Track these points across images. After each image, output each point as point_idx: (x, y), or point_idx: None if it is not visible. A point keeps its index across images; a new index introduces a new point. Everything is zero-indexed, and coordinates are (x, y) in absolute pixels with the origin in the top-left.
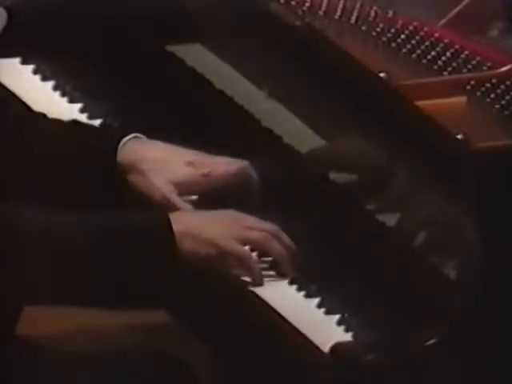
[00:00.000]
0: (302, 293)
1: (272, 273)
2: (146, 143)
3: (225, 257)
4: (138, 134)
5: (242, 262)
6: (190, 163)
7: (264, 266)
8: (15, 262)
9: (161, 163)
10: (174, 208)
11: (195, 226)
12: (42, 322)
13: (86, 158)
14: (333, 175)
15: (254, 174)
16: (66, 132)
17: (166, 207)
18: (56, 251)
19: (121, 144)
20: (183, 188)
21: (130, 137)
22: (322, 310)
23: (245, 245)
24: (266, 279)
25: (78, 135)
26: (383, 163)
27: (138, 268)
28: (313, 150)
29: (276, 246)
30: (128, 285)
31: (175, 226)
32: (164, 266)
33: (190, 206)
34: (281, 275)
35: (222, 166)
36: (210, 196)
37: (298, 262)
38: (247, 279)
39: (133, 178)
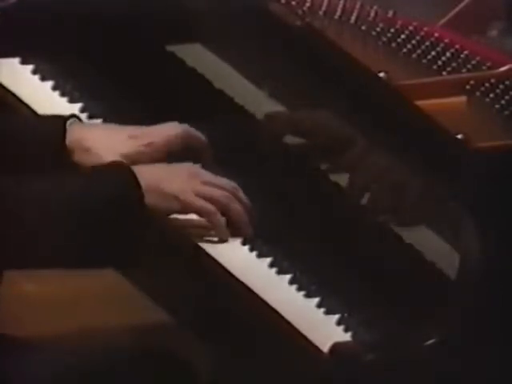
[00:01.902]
0: (302, 293)
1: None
2: (86, 125)
3: (187, 211)
4: (79, 117)
5: (205, 216)
6: (132, 136)
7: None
8: None
9: (105, 140)
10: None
11: (156, 179)
12: (42, 322)
13: (37, 145)
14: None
15: (196, 134)
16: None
17: None
18: (26, 212)
19: (67, 125)
20: (130, 160)
21: (71, 120)
22: (322, 309)
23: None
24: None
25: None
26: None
27: (110, 223)
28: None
29: (235, 205)
30: (100, 242)
31: (140, 179)
32: (134, 219)
33: None
34: (238, 234)
35: (163, 132)
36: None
37: (254, 221)
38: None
39: (80, 157)
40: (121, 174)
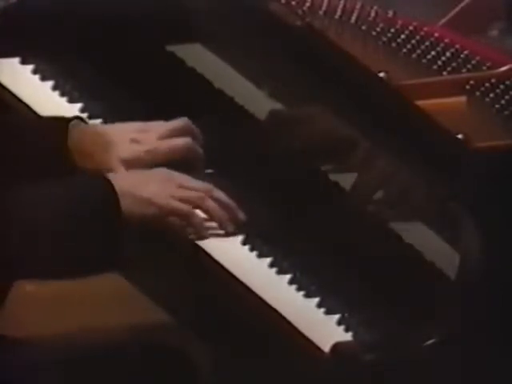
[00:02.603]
0: (302, 292)
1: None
2: (89, 127)
3: (163, 215)
4: (82, 118)
5: (181, 217)
6: (133, 140)
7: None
8: None
9: (106, 144)
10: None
11: (131, 185)
12: (42, 322)
13: (41, 147)
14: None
15: (198, 150)
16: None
17: None
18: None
19: (70, 127)
20: (130, 165)
21: (74, 122)
22: (322, 309)
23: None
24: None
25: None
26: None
27: (84, 229)
28: None
29: (210, 205)
30: (76, 249)
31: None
32: (109, 225)
33: None
34: (219, 232)
35: (166, 142)
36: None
37: (240, 218)
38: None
39: (81, 160)
40: (97, 181)
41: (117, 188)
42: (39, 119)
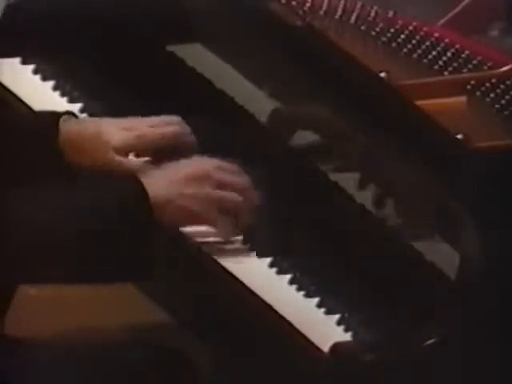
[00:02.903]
0: (302, 292)
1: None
2: (80, 121)
3: (193, 217)
4: (73, 113)
5: (210, 223)
6: (124, 128)
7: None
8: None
9: (96, 138)
10: (125, 169)
11: (167, 192)
12: (42, 322)
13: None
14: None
15: (189, 136)
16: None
17: (115, 170)
18: (37, 226)
19: (60, 124)
20: (121, 151)
21: (65, 117)
22: (322, 309)
23: (214, 203)
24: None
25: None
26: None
27: (118, 239)
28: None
29: (239, 204)
30: (110, 257)
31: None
32: (142, 234)
33: (138, 161)
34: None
35: (157, 128)
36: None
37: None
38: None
39: (73, 156)
40: (130, 187)
41: (151, 195)
42: (30, 115)
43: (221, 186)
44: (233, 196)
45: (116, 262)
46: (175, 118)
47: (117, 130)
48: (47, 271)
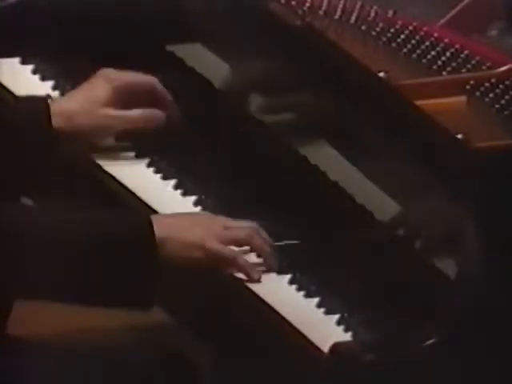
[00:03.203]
0: (302, 292)
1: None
2: (61, 99)
3: (212, 258)
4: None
5: (230, 262)
6: (100, 82)
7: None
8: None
9: (81, 98)
10: (125, 120)
11: (176, 229)
12: (41, 322)
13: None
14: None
15: (163, 91)
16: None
17: (116, 125)
18: (40, 249)
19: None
20: (114, 104)
21: (49, 100)
22: (322, 309)
23: (229, 243)
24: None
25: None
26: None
27: (120, 269)
28: None
29: (259, 241)
30: (110, 285)
31: (158, 231)
32: (144, 269)
33: (138, 111)
34: (267, 270)
35: (135, 77)
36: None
37: (276, 256)
38: (243, 277)
39: (67, 125)
40: (137, 222)
41: (159, 232)
42: (15, 101)
43: (231, 228)
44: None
45: (116, 288)
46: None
47: (97, 86)
48: (43, 288)
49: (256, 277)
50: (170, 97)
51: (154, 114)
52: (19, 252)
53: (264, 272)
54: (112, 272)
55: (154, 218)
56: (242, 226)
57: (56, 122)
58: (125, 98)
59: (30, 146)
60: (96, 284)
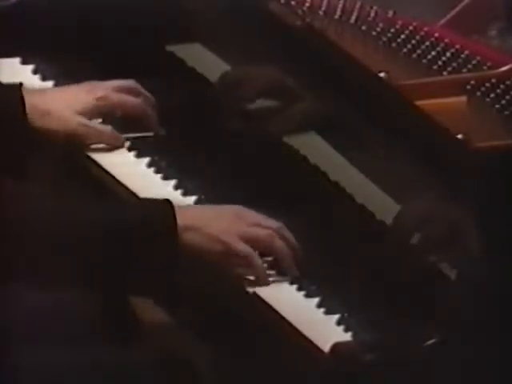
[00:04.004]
0: (302, 292)
1: (273, 273)
2: (36, 90)
3: (229, 254)
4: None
5: (246, 260)
6: (87, 91)
7: (265, 265)
8: (15, 246)
9: (61, 100)
10: (95, 132)
11: (200, 219)
12: None
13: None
14: None
15: (149, 111)
16: None
17: (85, 135)
18: (59, 236)
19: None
20: (87, 116)
21: (23, 87)
22: (322, 309)
23: (248, 242)
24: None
25: None
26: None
27: (139, 255)
28: None
29: (279, 244)
30: (128, 271)
31: (179, 219)
32: (163, 256)
33: (108, 127)
34: (282, 274)
35: (118, 94)
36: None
37: (301, 262)
38: (252, 278)
39: (40, 121)
40: (160, 209)
41: (183, 221)
42: None
43: (256, 225)
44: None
45: (135, 275)
46: (136, 86)
47: (79, 93)
48: (63, 277)
49: (266, 282)
50: (154, 118)
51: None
52: (32, 241)
53: (278, 281)
54: (131, 257)
55: (178, 207)
56: (267, 225)
57: (30, 115)
58: (101, 112)
59: (4, 135)
60: (115, 270)
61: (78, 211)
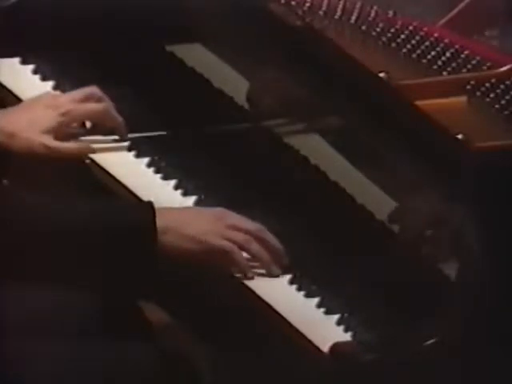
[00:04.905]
0: (302, 292)
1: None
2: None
3: (209, 252)
4: None
5: (226, 255)
6: (48, 106)
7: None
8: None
9: (24, 120)
10: (60, 153)
11: (179, 221)
12: None
13: None
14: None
15: (114, 114)
16: None
17: (51, 155)
18: (41, 233)
19: None
20: (53, 134)
21: None
22: (322, 309)
23: None
24: (255, 274)
25: None
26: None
27: (118, 256)
28: None
29: (255, 248)
30: (108, 272)
31: (159, 221)
32: (142, 257)
33: (74, 145)
34: (262, 274)
35: (82, 105)
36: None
37: (284, 262)
38: (237, 273)
39: (6, 143)
40: (140, 211)
41: (162, 222)
42: None
43: (234, 227)
44: (248, 240)
45: (115, 275)
46: (96, 92)
47: (42, 109)
48: (43, 271)
49: (250, 275)
50: (119, 120)
51: (88, 148)
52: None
53: (264, 275)
54: (112, 258)
55: (159, 208)
56: (246, 228)
57: None
58: (67, 127)
59: None
60: (95, 270)
61: (67, 211)
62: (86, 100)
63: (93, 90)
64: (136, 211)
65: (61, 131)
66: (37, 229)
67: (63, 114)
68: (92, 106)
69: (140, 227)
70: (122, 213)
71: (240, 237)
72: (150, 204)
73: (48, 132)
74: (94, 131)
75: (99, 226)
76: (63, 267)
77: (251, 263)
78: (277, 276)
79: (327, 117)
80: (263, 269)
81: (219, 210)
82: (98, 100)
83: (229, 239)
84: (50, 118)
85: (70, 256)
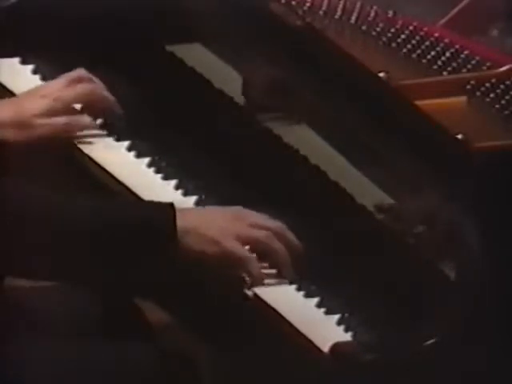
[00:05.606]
0: (302, 292)
1: (273, 274)
2: None
3: (225, 256)
4: None
5: (242, 263)
6: (41, 96)
7: (265, 265)
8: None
9: (17, 110)
10: (60, 128)
11: (199, 222)
12: None
13: None
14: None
15: (104, 93)
16: None
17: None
18: (61, 231)
19: None
20: (44, 117)
21: None
22: (322, 309)
23: (247, 243)
24: (267, 281)
25: None
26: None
27: (138, 257)
28: None
29: (277, 246)
30: (127, 272)
31: (179, 222)
32: (162, 258)
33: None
34: (281, 276)
35: (70, 88)
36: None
37: (302, 262)
38: (247, 279)
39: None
40: (161, 211)
41: (183, 223)
42: None
43: (255, 226)
44: (269, 237)
45: (132, 274)
46: (84, 74)
47: (34, 100)
48: (60, 268)
49: (261, 284)
50: (111, 99)
51: (78, 121)
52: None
53: (277, 284)
54: (130, 258)
55: (179, 209)
56: (267, 226)
57: None
58: (61, 113)
59: None
60: (114, 270)
61: (79, 209)
62: (74, 83)
63: (80, 72)
64: (156, 211)
65: (51, 115)
66: (61, 228)
67: (54, 100)
68: (81, 88)
69: (161, 228)
70: (141, 213)
71: (262, 234)
72: (170, 205)
73: (38, 117)
74: (87, 113)
75: (119, 224)
76: (78, 266)
77: (265, 271)
78: (290, 281)
79: (327, 117)
80: (282, 270)
81: (238, 209)
82: (87, 81)
83: (250, 238)
84: (41, 104)
85: (85, 255)
